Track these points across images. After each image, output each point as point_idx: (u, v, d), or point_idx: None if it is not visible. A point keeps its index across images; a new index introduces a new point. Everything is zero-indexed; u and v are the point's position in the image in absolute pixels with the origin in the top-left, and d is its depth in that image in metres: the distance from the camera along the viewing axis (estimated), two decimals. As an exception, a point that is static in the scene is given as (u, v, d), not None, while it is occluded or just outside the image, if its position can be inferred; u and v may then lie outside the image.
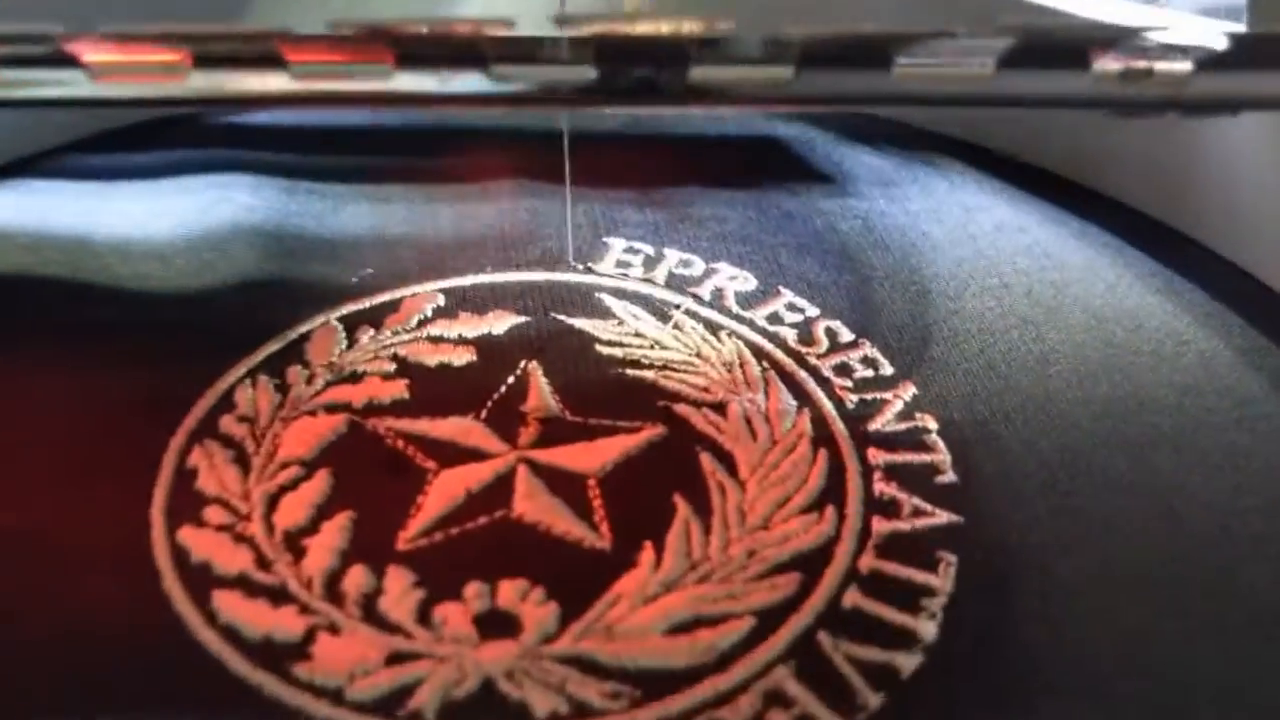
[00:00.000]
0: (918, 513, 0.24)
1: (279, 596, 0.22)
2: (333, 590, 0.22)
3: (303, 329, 0.28)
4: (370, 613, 0.21)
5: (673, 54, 0.21)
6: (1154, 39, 0.21)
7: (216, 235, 0.31)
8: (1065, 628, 0.22)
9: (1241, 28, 0.22)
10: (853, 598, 0.22)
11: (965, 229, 0.32)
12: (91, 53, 0.22)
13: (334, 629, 0.21)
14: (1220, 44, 0.21)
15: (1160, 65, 0.21)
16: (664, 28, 0.21)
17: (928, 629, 0.21)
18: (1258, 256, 0.30)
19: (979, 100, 0.21)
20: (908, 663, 0.21)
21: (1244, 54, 0.21)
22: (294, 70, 0.22)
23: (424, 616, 0.21)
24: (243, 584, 0.22)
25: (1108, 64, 0.21)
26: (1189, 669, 0.21)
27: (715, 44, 0.21)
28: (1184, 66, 0.21)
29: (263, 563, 0.22)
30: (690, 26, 0.20)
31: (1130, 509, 0.24)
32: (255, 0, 0.34)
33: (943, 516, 0.23)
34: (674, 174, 0.34)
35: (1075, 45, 0.21)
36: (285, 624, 0.21)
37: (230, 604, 0.21)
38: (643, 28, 0.21)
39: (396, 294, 0.29)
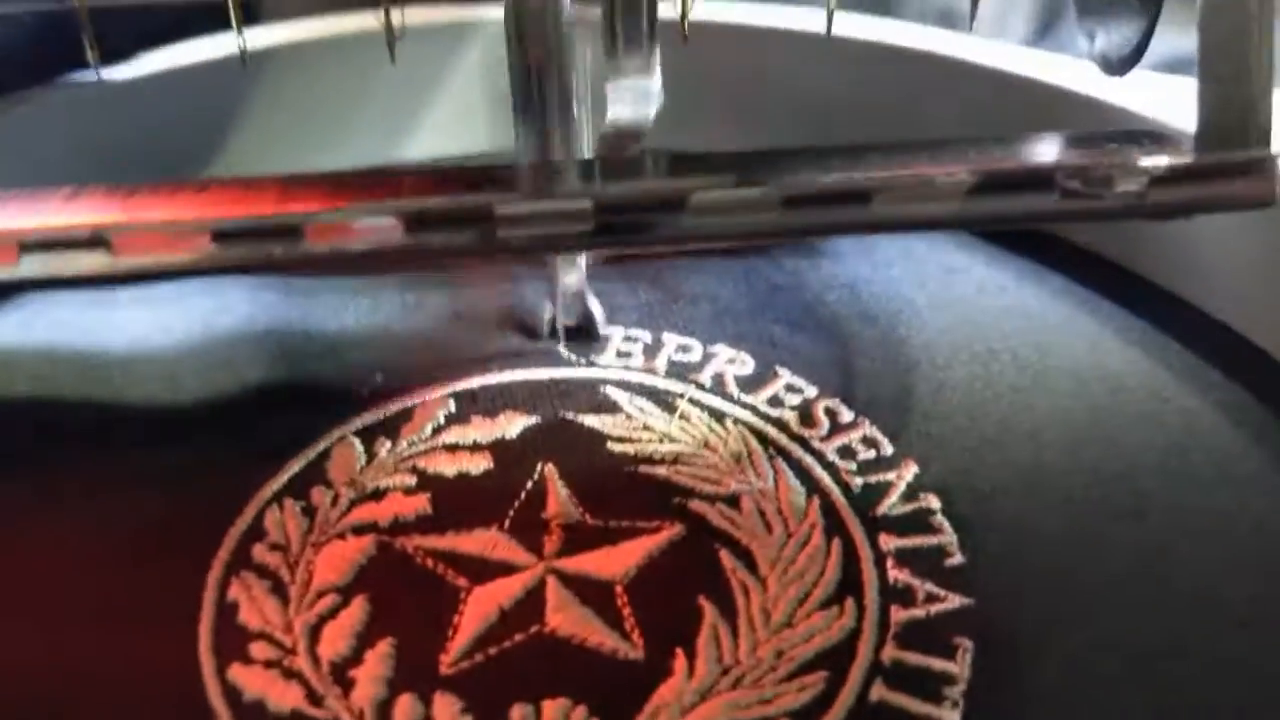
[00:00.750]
0: (931, 598, 0.25)
1: (334, 733, 0.23)
2: (385, 722, 0.23)
3: (321, 446, 0.29)
4: (424, 743, 0.22)
5: (669, 205, 0.22)
6: (1110, 167, 0.23)
7: (222, 350, 0.32)
8: (1075, 708, 0.23)
9: (1188, 128, 0.24)
10: (879, 692, 0.23)
11: (948, 292, 0.33)
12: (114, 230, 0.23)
13: (391, 762, 0.22)
14: (1164, 167, 0.23)
15: (1119, 185, 0.23)
16: (662, 185, 0.22)
17: (951, 718, 0.23)
18: (1231, 308, 0.32)
19: (954, 224, 0.23)
20: (935, 753, 0.22)
21: (1186, 173, 0.23)
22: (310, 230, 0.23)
23: (475, 743, 0.22)
24: (297, 721, 0.23)
25: (1070, 183, 0.23)
26: None
27: (709, 193, 0.22)
28: (1138, 185, 0.23)
29: (314, 698, 0.23)
30: (686, 184, 0.22)
31: (1126, 581, 0.25)
32: (205, 151, 0.36)
33: (955, 600, 0.25)
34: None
35: (1038, 175, 0.22)
36: (343, 761, 0.22)
37: (288, 743, 0.22)
38: (643, 186, 0.22)
39: (407, 402, 0.30)
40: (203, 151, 0.37)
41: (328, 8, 0.39)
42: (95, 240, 0.23)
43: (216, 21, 0.32)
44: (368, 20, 0.25)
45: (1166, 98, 0.30)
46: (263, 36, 0.38)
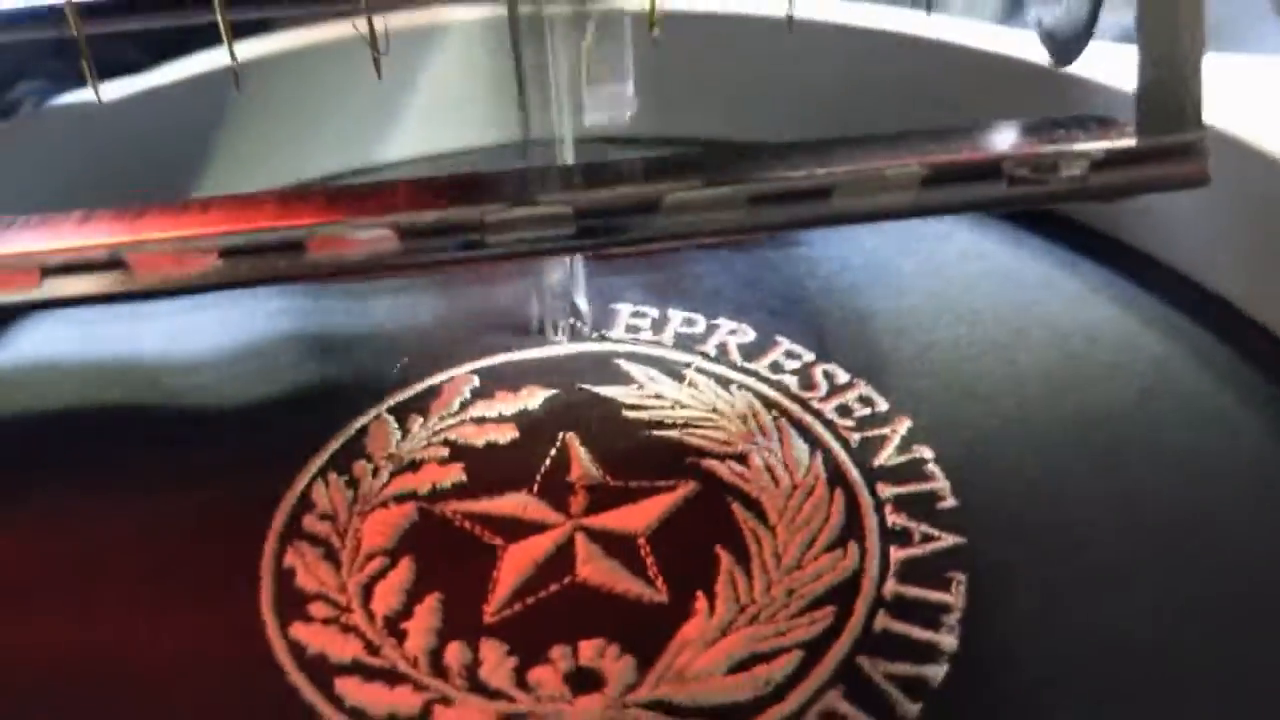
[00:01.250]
0: (927, 538, 0.27)
1: (393, 678, 0.25)
2: (438, 666, 0.25)
3: (358, 424, 0.31)
4: (474, 683, 0.25)
5: (644, 207, 0.25)
6: (1054, 155, 0.25)
7: (258, 344, 0.34)
8: (1061, 629, 0.25)
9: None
10: (882, 621, 0.25)
11: (932, 259, 0.36)
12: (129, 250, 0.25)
13: (446, 701, 0.24)
14: (1103, 152, 0.25)
15: (1063, 170, 0.25)
16: (637, 189, 0.25)
17: (949, 641, 0.25)
18: (1197, 263, 0.34)
19: (911, 214, 0.25)
20: (936, 673, 0.24)
21: (1125, 157, 0.25)
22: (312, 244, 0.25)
23: (521, 681, 0.25)
24: (359, 669, 0.25)
25: (1017, 171, 0.25)
26: (1166, 659, 0.24)
27: (680, 195, 0.25)
28: (1080, 170, 0.25)
29: (371, 648, 0.25)
30: (659, 187, 0.24)
31: (1102, 515, 0.27)
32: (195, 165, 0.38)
33: (948, 539, 0.27)
34: None
35: (986, 165, 0.25)
36: (404, 702, 0.24)
37: (352, 689, 0.25)
38: (619, 190, 0.24)
39: (435, 380, 0.32)
40: (197, 155, 0.39)
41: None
42: (112, 261, 0.25)
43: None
44: (349, 28, 0.27)
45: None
46: (253, 48, 0.41)
